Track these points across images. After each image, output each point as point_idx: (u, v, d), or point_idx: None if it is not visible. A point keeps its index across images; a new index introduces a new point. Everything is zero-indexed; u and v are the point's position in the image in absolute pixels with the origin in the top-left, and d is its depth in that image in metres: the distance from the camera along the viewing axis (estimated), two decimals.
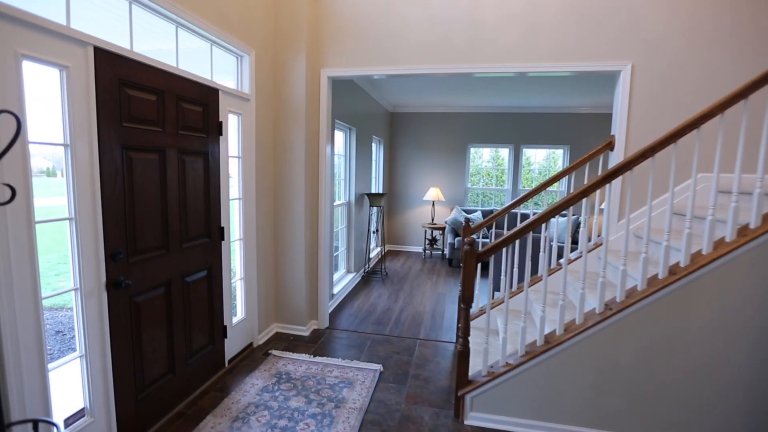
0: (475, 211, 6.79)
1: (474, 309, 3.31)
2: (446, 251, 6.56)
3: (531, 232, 2.22)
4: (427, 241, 7.05)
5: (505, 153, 7.15)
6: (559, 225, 6.24)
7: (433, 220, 6.91)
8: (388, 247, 7.53)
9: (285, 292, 3.52)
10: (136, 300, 2.05)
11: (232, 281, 3.01)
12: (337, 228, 4.88)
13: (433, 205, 6.89)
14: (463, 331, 2.27)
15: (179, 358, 2.40)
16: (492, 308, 3.38)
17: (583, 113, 6.62)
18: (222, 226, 2.75)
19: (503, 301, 3.21)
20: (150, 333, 2.15)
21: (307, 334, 3.55)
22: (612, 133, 2.96)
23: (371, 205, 5.44)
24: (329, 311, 3.99)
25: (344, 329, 3.72)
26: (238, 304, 3.15)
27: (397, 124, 7.22)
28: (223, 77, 2.77)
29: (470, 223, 3.37)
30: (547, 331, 2.35)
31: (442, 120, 7.06)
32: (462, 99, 6.29)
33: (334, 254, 4.69)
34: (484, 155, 7.39)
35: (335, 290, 4.41)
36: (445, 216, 7.27)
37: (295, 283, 3.48)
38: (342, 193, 4.98)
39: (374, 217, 6.24)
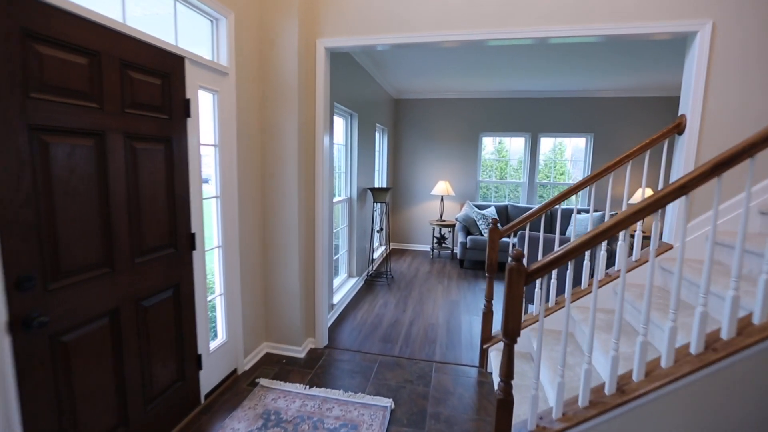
0: (488, 206, 6.22)
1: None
2: (457, 251, 6.01)
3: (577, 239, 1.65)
4: (435, 240, 6.49)
5: (518, 143, 6.55)
6: (577, 222, 5.67)
7: (441, 216, 6.34)
8: (392, 246, 6.98)
9: (276, 307, 2.98)
10: (63, 339, 1.50)
11: (210, 298, 2.46)
12: (337, 228, 4.32)
13: (442, 200, 6.32)
14: (506, 374, 1.71)
15: (134, 404, 1.85)
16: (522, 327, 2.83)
17: (608, 97, 6.02)
18: (192, 232, 2.19)
19: (537, 320, 2.65)
20: (87, 380, 1.60)
21: (302, 355, 3.00)
22: (681, 113, 2.38)
23: (375, 201, 4.88)
24: (328, 325, 3.44)
25: (346, 348, 3.18)
26: (219, 325, 2.60)
27: (402, 111, 6.63)
28: (195, 47, 2.19)
29: (498, 225, 2.80)
30: (605, 372, 1.79)
31: (451, 106, 6.46)
32: (474, 82, 5.69)
33: (334, 257, 4.14)
34: (487, 146, 6.78)
35: (335, 299, 3.87)
36: (455, 212, 6.70)
37: (289, 296, 2.93)
38: (342, 188, 4.42)
39: (378, 215, 5.68)
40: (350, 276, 4.61)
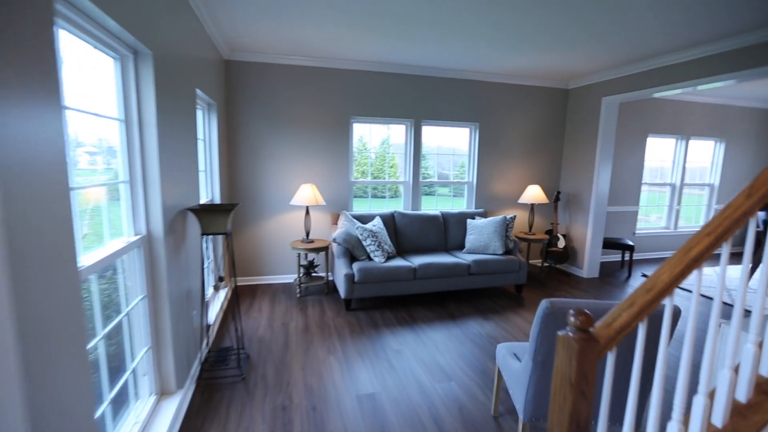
0: (371, 217, 4.60)
1: None
2: (338, 284, 4.21)
3: None
4: (301, 270, 4.54)
5: (397, 133, 5.14)
6: (476, 230, 4.63)
7: (308, 235, 4.43)
8: (238, 282, 4.69)
9: None
10: None
11: None
12: (118, 310, 1.99)
13: (308, 212, 4.40)
14: None
15: None
16: None
17: (498, 83, 5.12)
18: None
19: None
20: None
21: None
22: None
23: (205, 233, 2.64)
24: None
25: None
26: None
27: (238, 79, 4.37)
28: None
29: (592, 324, 1.15)
30: None
31: (311, 78, 4.56)
32: (342, 42, 3.94)
33: (125, 375, 1.84)
34: (364, 138, 5.18)
35: None
36: (326, 228, 4.87)
37: None
38: (126, 218, 2.07)
39: (212, 251, 3.39)
40: (165, 394, 2.31)
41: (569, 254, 5.39)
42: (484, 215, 4.98)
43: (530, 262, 5.70)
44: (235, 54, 4.26)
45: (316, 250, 4.25)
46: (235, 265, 3.92)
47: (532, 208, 5.08)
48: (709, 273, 5.57)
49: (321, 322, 3.67)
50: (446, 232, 4.82)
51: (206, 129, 3.78)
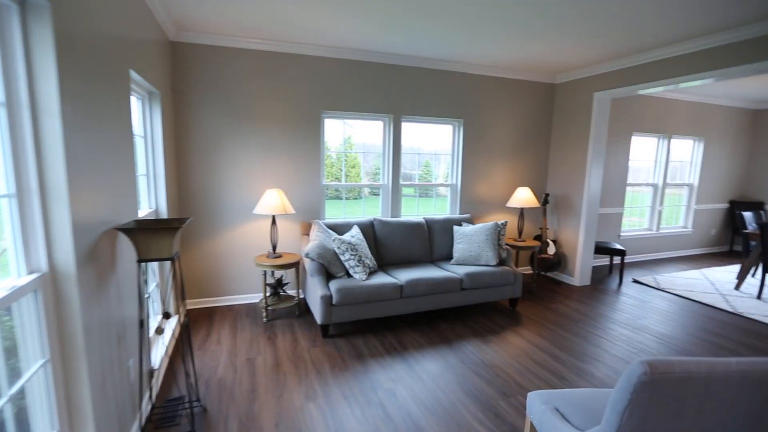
0: (347, 226, 4.05)
1: None
2: (312, 307, 3.63)
3: None
4: (269, 289, 3.91)
5: (374, 130, 4.60)
6: (464, 238, 4.19)
7: (275, 249, 3.81)
8: (189, 305, 4.00)
9: None
10: None
11: None
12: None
13: (274, 222, 3.78)
14: None
15: None
16: None
17: (483, 75, 4.69)
18: None
19: None
20: None
21: None
22: None
23: (143, 259, 1.99)
24: None
25: None
26: None
27: (188, 65, 3.68)
28: None
29: None
30: None
31: (278, 65, 3.94)
32: (312, 26, 3.37)
33: None
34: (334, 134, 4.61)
35: None
36: (295, 239, 4.26)
37: None
38: (13, 251, 1.42)
39: (158, 275, 2.72)
40: None
41: (560, 261, 5.07)
42: (471, 221, 4.54)
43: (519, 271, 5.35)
44: (184, 34, 3.57)
45: (285, 267, 3.64)
46: (184, 294, 3.26)
47: (521, 212, 4.70)
48: (695, 276, 5.43)
49: (294, 355, 3.07)
50: (431, 240, 4.35)
51: (147, 123, 3.08)
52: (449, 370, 2.90)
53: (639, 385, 1.12)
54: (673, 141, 6.26)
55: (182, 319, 3.34)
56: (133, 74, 2.40)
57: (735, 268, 5.87)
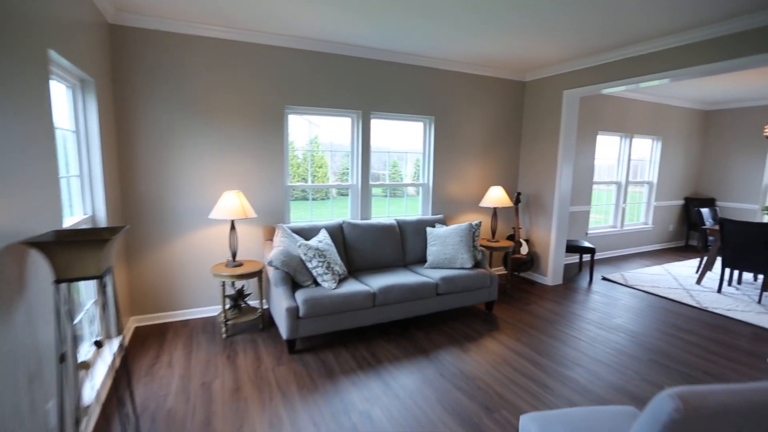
0: (314, 230, 3.76)
1: None
2: (277, 320, 3.32)
3: None
4: (229, 301, 3.56)
5: (342, 127, 4.32)
6: (438, 240, 4.01)
7: (234, 257, 3.46)
8: (138, 323, 3.57)
9: None
10: None
11: None
12: None
13: (233, 227, 3.43)
14: None
15: None
16: None
17: (454, 72, 4.53)
18: None
19: None
20: None
21: None
22: None
23: (61, 279, 1.63)
24: None
25: None
26: None
27: (132, 52, 3.25)
28: None
29: None
30: None
31: (237, 55, 3.59)
32: (274, 11, 3.06)
33: None
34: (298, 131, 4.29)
35: None
36: (257, 245, 3.92)
37: None
38: None
39: (94, 298, 2.33)
40: None
41: (533, 261, 5.01)
42: (444, 222, 4.38)
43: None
44: (126, 17, 3.15)
45: (246, 276, 3.31)
46: (120, 319, 2.91)
47: (494, 212, 4.58)
48: (658, 272, 5.55)
49: (257, 376, 2.76)
50: (404, 243, 4.14)
51: (80, 115, 2.66)
52: (427, 384, 2.69)
53: (670, 424, 0.93)
54: (634, 140, 6.40)
55: (123, 342, 2.94)
56: (55, 55, 2.01)
57: (693, 263, 6.07)
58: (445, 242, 3.94)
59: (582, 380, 2.78)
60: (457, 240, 3.91)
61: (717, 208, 6.30)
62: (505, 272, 5.14)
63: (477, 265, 3.94)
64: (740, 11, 2.92)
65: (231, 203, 3.29)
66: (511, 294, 4.54)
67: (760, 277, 5.23)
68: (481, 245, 4.42)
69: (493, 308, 4.07)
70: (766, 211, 5.01)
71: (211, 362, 2.93)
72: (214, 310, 3.81)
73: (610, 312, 4.05)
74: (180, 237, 3.59)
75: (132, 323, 3.49)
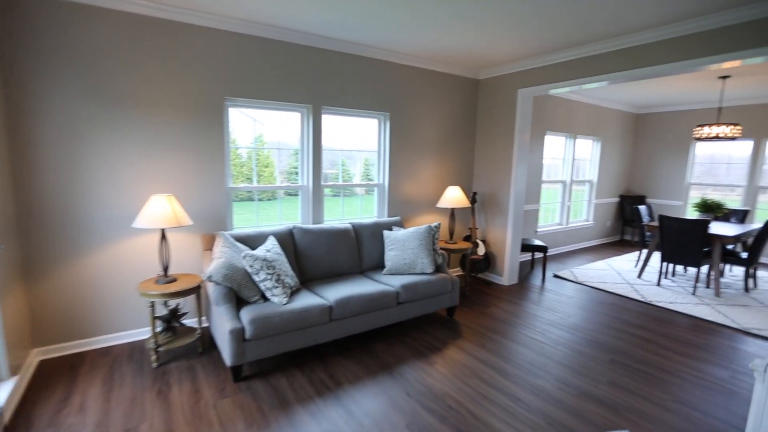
0: (260, 237, 3.36)
1: None
2: (219, 343, 2.89)
3: None
4: (161, 323, 3.06)
5: (289, 124, 3.94)
6: (396, 244, 3.79)
7: (166, 271, 2.97)
8: (41, 354, 2.95)
9: None
10: None
11: None
12: None
13: (164, 236, 2.94)
14: None
15: None
16: None
17: (409, 66, 4.31)
18: None
19: None
20: None
21: None
22: None
23: None
24: None
25: None
26: None
27: (23, 26, 2.64)
28: None
29: None
30: None
31: (164, 36, 3.07)
32: None
33: None
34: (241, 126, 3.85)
35: None
36: (195, 255, 3.43)
37: None
38: None
39: None
40: None
41: (489, 261, 4.96)
42: (402, 224, 4.16)
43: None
44: None
45: (181, 294, 2.84)
46: (9, 351, 2.36)
47: (452, 213, 4.44)
48: (603, 267, 5.77)
49: (195, 414, 2.34)
50: (360, 248, 3.86)
51: None
52: (394, 407, 2.44)
53: None
54: (577, 140, 6.62)
55: (20, 384, 2.37)
56: None
57: (631, 257, 6.41)
58: (403, 246, 3.72)
59: (552, 389, 2.68)
60: (416, 243, 3.70)
61: (651, 205, 6.71)
62: (463, 274, 5.04)
63: (438, 269, 3.77)
64: (673, 19, 2.98)
65: (160, 209, 2.80)
66: (470, 297, 4.43)
67: (690, 269, 5.61)
68: (441, 248, 4.26)
69: (454, 313, 3.93)
70: (696, 208, 5.37)
71: (137, 400, 2.46)
72: (143, 333, 3.28)
73: (566, 311, 4.07)
74: (97, 249, 3.03)
75: (34, 357, 2.88)
